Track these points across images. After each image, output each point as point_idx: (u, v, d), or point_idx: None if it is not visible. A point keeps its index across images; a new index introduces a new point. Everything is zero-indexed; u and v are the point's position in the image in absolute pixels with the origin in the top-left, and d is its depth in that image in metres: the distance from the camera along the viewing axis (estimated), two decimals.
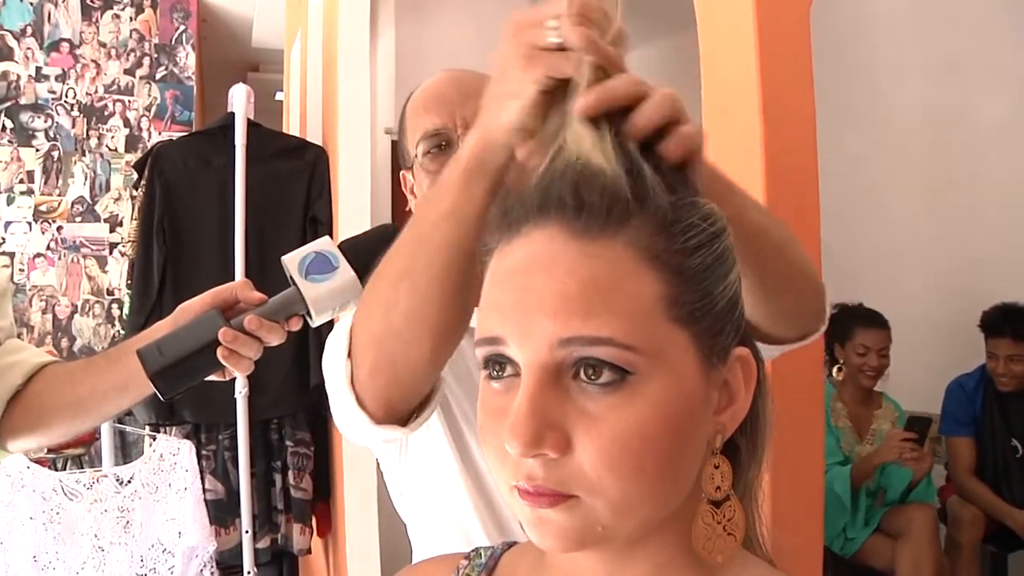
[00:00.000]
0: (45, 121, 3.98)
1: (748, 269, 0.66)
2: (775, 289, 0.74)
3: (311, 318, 0.85)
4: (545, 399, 0.45)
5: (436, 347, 0.70)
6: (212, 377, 0.89)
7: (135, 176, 2.64)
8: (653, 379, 0.46)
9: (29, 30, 3.99)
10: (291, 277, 0.84)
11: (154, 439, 2.10)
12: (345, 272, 0.83)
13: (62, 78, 4.02)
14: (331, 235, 2.44)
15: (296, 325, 0.88)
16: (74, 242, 3.98)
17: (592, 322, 0.45)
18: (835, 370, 2.87)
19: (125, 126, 4.09)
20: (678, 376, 0.47)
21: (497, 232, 0.51)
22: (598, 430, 0.45)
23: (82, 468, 2.96)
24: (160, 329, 0.90)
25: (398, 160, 1.07)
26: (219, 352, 0.84)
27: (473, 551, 0.62)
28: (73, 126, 4.02)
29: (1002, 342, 2.79)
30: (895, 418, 2.88)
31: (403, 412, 0.75)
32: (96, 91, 4.06)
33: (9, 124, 3.93)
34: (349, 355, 0.72)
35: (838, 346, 2.86)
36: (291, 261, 0.84)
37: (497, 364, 0.49)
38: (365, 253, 0.85)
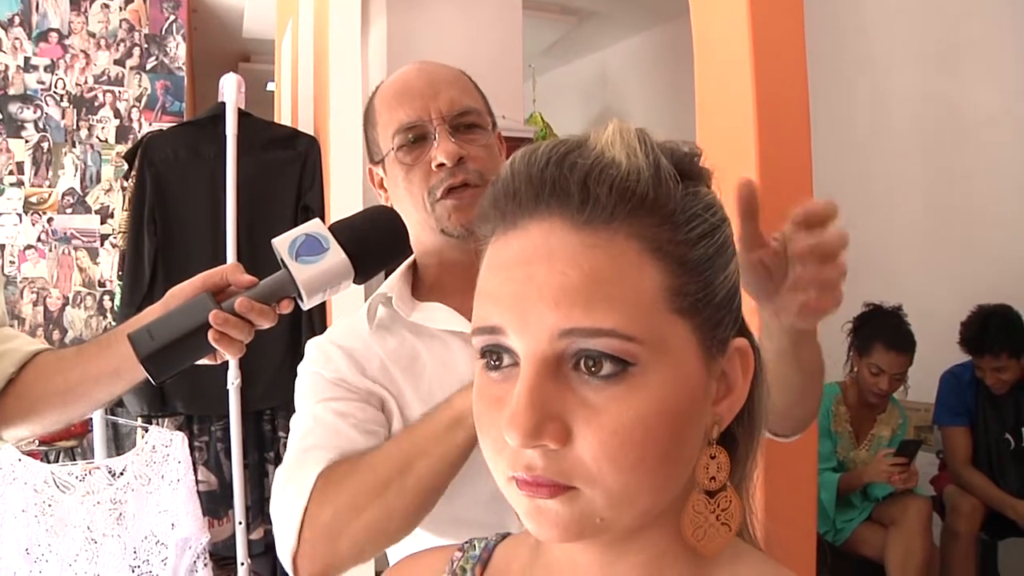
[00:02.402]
0: (34, 112, 3.95)
1: (796, 393, 0.88)
2: (805, 406, 0.92)
3: (302, 300, 0.84)
4: (545, 390, 0.45)
5: (383, 547, 0.81)
6: (203, 360, 0.88)
7: (125, 167, 2.62)
8: (654, 370, 0.45)
9: (17, 20, 3.95)
10: (281, 259, 0.84)
11: (146, 431, 2.09)
12: (336, 254, 0.82)
13: (51, 68, 3.98)
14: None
15: (287, 308, 0.87)
16: (65, 234, 3.95)
17: (593, 314, 0.44)
18: (846, 373, 2.81)
19: (115, 117, 4.06)
20: (679, 367, 0.46)
21: (490, 223, 0.51)
22: (599, 422, 0.45)
23: (74, 460, 2.95)
24: (151, 313, 0.89)
25: None
26: (210, 335, 0.83)
27: (467, 542, 0.62)
28: (63, 117, 3.99)
29: (984, 358, 2.79)
30: (897, 425, 2.85)
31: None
32: (86, 82, 4.03)
33: None
34: (300, 530, 0.80)
35: (855, 353, 2.79)
36: (281, 243, 0.83)
37: (495, 354, 0.48)
38: (356, 234, 0.85)
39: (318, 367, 0.94)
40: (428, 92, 0.96)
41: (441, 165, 0.94)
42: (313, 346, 0.98)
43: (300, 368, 0.97)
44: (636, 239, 0.46)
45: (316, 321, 2.39)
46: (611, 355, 0.44)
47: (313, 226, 0.84)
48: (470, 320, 0.97)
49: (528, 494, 0.46)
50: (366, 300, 0.99)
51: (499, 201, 0.50)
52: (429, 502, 0.79)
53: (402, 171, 0.97)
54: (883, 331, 2.72)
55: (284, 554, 0.81)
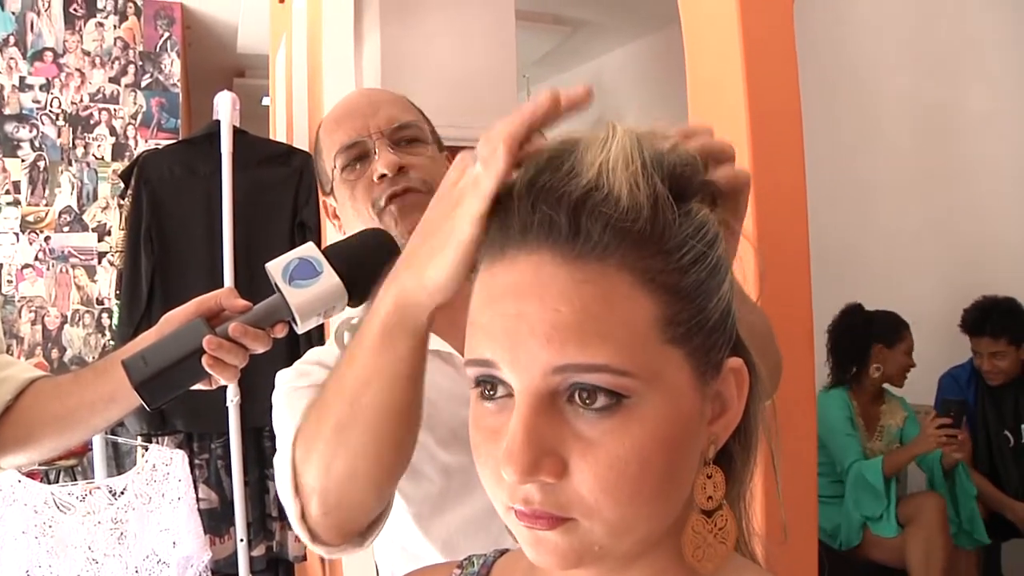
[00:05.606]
0: (30, 131, 3.96)
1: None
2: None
3: (296, 324, 0.84)
4: (540, 425, 0.45)
5: (381, 489, 0.71)
6: (198, 386, 0.88)
7: (122, 185, 2.63)
8: (648, 401, 0.45)
9: (12, 40, 3.96)
10: (275, 284, 0.83)
11: (146, 449, 2.09)
12: (329, 277, 0.82)
13: (46, 87, 3.99)
14: (319, 241, 2.43)
15: (281, 332, 0.87)
16: (62, 252, 3.95)
17: (587, 350, 0.44)
18: (873, 369, 2.89)
19: (111, 135, 4.06)
20: (673, 396, 0.46)
21: (479, 251, 0.50)
22: (594, 455, 0.45)
23: (74, 480, 2.95)
24: (146, 339, 0.89)
25: None
26: (204, 360, 0.83)
27: (466, 559, 0.62)
28: (59, 135, 3.99)
29: (983, 340, 2.81)
30: (904, 416, 2.90)
31: (357, 532, 0.75)
32: (81, 100, 4.04)
33: None
34: (296, 492, 0.71)
35: (884, 347, 2.88)
36: (275, 268, 0.82)
37: (489, 384, 0.48)
38: (350, 257, 0.85)
39: (293, 383, 0.91)
40: (367, 111, 0.97)
41: (383, 177, 0.94)
42: (284, 371, 0.94)
43: (274, 398, 0.91)
44: (628, 271, 0.45)
45: (315, 335, 2.39)
46: (605, 388, 0.44)
47: (306, 250, 0.84)
48: (441, 338, 0.95)
49: (527, 525, 0.46)
50: None
51: (488, 228, 0.50)
52: (396, 430, 0.66)
53: (347, 190, 0.97)
54: (904, 322, 2.88)
55: (293, 522, 0.75)
